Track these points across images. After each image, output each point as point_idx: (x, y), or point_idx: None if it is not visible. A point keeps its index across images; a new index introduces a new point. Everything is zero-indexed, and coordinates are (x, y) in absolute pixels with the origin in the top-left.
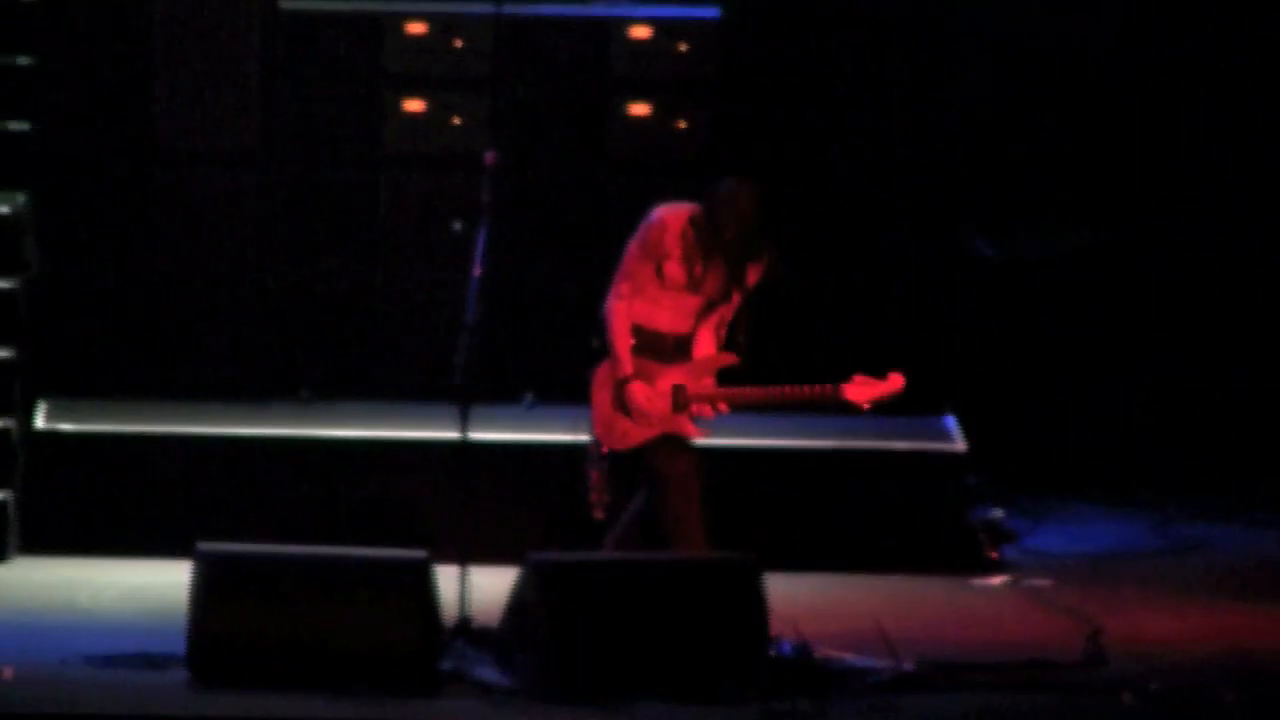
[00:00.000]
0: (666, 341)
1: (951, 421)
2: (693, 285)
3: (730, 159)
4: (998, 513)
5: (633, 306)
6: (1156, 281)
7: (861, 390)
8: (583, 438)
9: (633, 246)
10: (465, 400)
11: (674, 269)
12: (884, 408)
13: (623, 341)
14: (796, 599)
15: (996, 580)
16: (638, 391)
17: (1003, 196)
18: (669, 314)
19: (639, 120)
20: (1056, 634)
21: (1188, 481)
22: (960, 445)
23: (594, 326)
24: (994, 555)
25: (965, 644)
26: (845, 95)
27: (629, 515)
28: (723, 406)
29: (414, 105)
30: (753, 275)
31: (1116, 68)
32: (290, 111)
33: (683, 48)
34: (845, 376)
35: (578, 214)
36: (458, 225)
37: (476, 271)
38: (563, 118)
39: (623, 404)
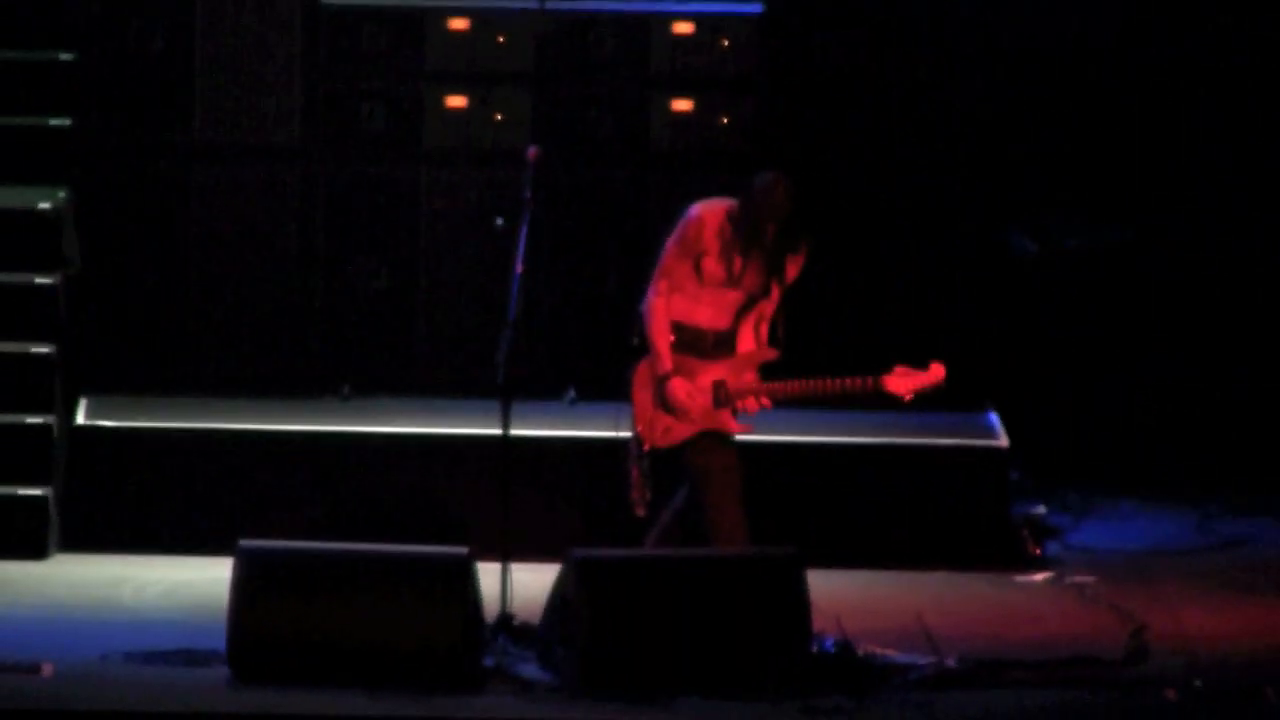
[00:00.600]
0: (707, 338)
1: (994, 417)
2: (732, 281)
3: (773, 155)
4: (1040, 509)
5: (672, 303)
6: (1194, 277)
7: (902, 381)
8: (624, 434)
9: (670, 244)
10: (507, 396)
11: (712, 265)
12: (926, 402)
13: (662, 338)
14: (839, 595)
15: (1039, 576)
16: (679, 388)
17: (1042, 191)
18: (709, 310)
19: (681, 116)
20: (1100, 630)
21: (1229, 477)
22: (1003, 441)
23: (634, 324)
24: (1036, 551)
25: (1008, 640)
26: (887, 91)
27: (670, 512)
28: (765, 401)
29: (456, 101)
30: (792, 270)
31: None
32: (331, 107)
33: (725, 43)
34: (886, 370)
35: (620, 210)
36: (500, 221)
37: (518, 268)
38: (605, 113)
39: (664, 401)
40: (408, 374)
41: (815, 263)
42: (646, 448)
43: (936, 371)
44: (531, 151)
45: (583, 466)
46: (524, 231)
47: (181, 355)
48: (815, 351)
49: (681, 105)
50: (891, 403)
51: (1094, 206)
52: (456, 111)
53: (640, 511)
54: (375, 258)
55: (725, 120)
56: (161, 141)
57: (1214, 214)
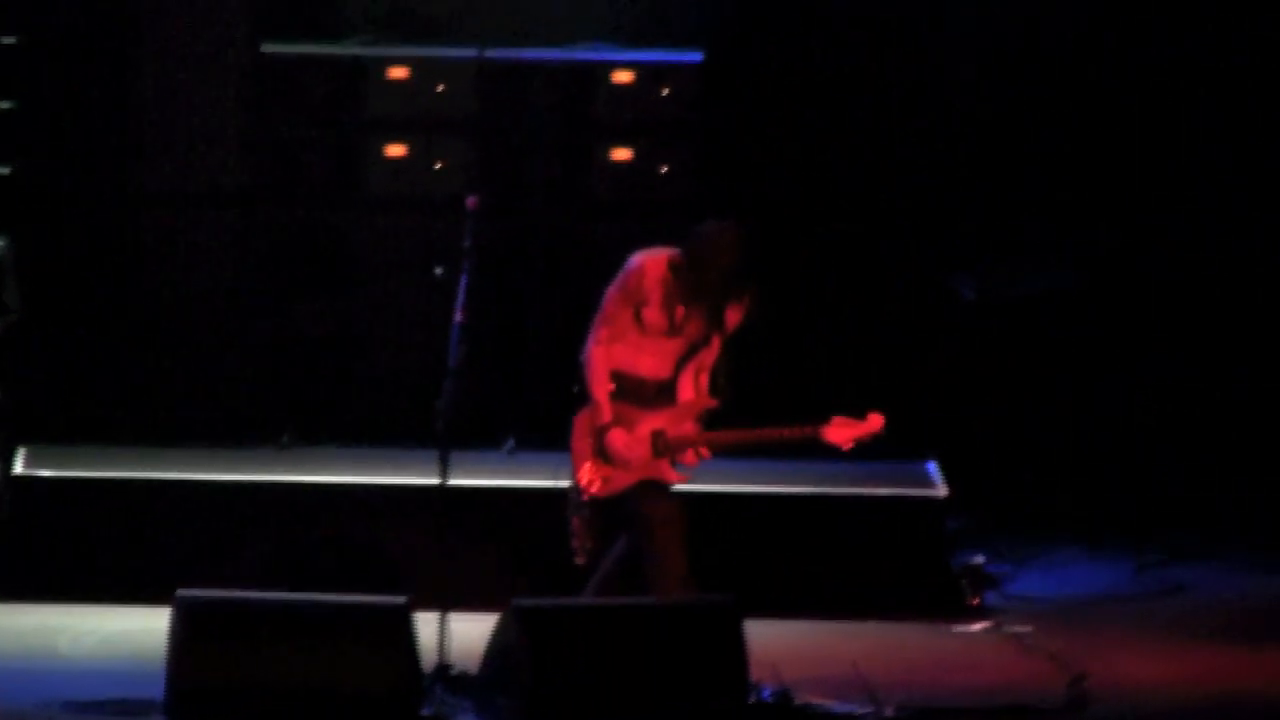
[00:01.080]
0: (648, 387)
1: (933, 466)
2: (673, 330)
3: (713, 202)
4: (979, 558)
5: (612, 352)
6: (1134, 322)
7: (841, 431)
8: (564, 484)
9: (612, 292)
10: (446, 445)
11: (653, 314)
12: (865, 451)
13: (601, 388)
14: (777, 644)
15: (978, 626)
16: (617, 438)
17: (983, 238)
18: (650, 359)
19: (622, 164)
20: (1039, 679)
21: (1167, 524)
22: (941, 490)
23: (574, 372)
24: (975, 601)
25: (947, 689)
26: (826, 138)
27: (610, 560)
28: (704, 452)
29: (396, 149)
30: (733, 319)
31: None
32: (273, 154)
33: (665, 92)
34: (826, 419)
35: (561, 258)
36: (439, 270)
37: (459, 317)
38: (546, 162)
39: (603, 451)
40: (347, 422)
41: (757, 307)
42: (586, 497)
43: (875, 422)
44: (471, 200)
45: (521, 516)
46: (464, 280)
47: (121, 403)
48: (755, 397)
49: (622, 154)
50: (830, 451)
51: (1035, 254)
52: (397, 159)
53: (581, 560)
54: (316, 305)
55: (665, 168)
56: (102, 188)
57: (1162, 252)
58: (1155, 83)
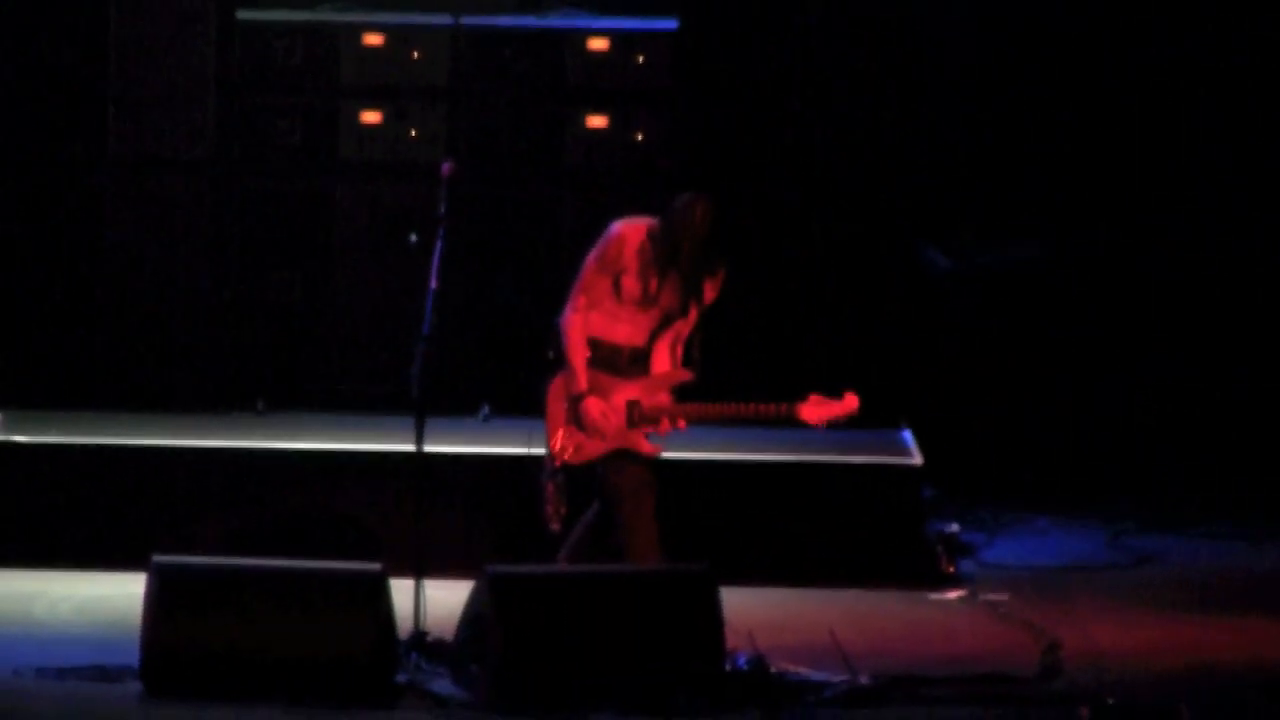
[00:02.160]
0: (623, 355)
1: (908, 435)
2: (649, 300)
3: (688, 170)
4: (954, 526)
5: (589, 320)
6: (1106, 293)
7: (816, 410)
8: (538, 451)
9: (591, 260)
10: (421, 412)
11: (631, 283)
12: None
13: (579, 356)
14: (752, 612)
15: (953, 594)
16: (592, 407)
17: (959, 208)
18: (626, 328)
19: (596, 132)
20: (1013, 647)
21: (1140, 494)
22: (916, 459)
23: (549, 339)
24: (950, 569)
25: (921, 658)
26: (802, 107)
27: (582, 527)
28: (680, 423)
29: (370, 116)
30: (709, 292)
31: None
32: (246, 121)
33: (640, 59)
34: (801, 391)
35: (535, 225)
36: (414, 237)
37: (433, 284)
38: (520, 129)
39: (577, 418)
40: (322, 388)
41: (731, 278)
42: (559, 464)
43: (850, 401)
44: (446, 167)
45: (497, 483)
46: (439, 247)
47: (95, 370)
48: (729, 366)
49: (596, 121)
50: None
51: (1009, 223)
52: (371, 126)
53: (555, 527)
54: (289, 272)
55: (640, 136)
56: (74, 154)
57: (1131, 227)
58: (1134, 52)
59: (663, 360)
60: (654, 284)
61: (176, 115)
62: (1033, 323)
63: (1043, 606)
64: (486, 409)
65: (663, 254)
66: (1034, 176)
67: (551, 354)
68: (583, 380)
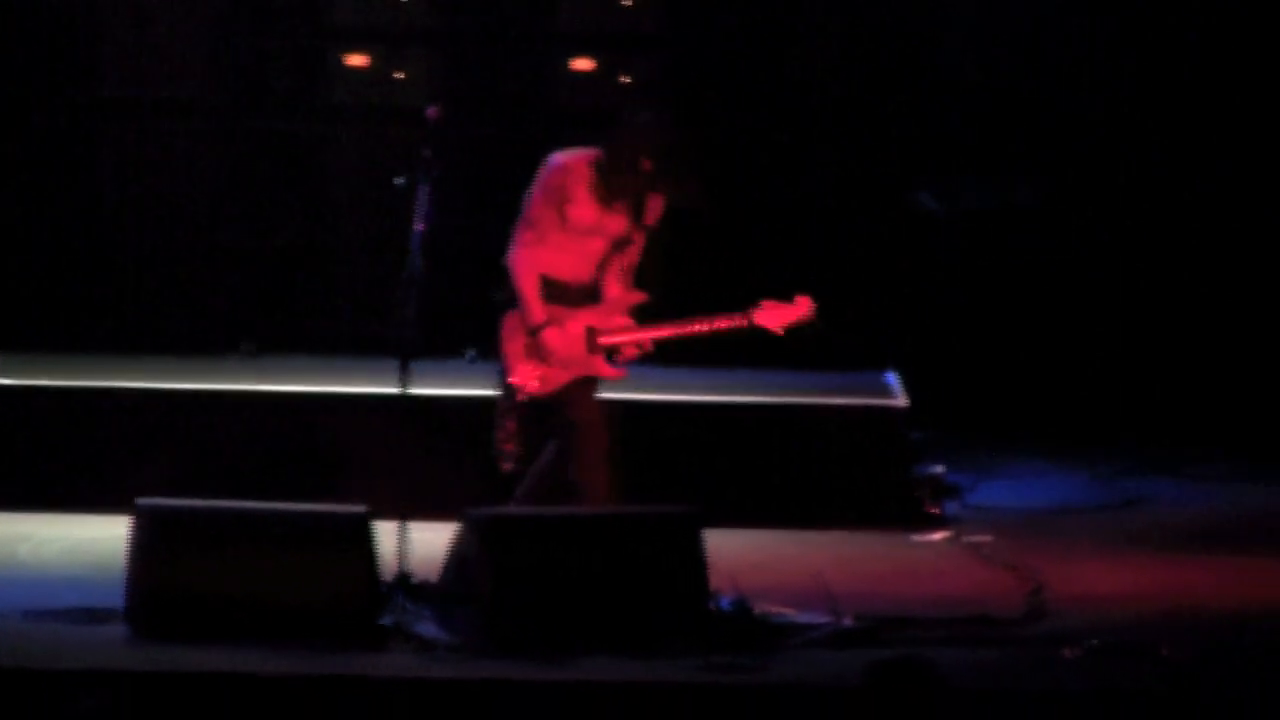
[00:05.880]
0: (573, 290)
1: (893, 377)
2: (597, 228)
3: (678, 113)
4: (939, 468)
5: (537, 255)
6: (1097, 236)
7: (772, 315)
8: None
9: (534, 193)
10: (407, 355)
11: (577, 211)
12: (826, 362)
13: (532, 288)
14: (737, 555)
15: (938, 535)
16: (552, 336)
17: (947, 151)
18: (574, 260)
19: (584, 74)
20: (998, 589)
21: (1127, 436)
22: (902, 401)
23: (497, 279)
24: (935, 510)
25: (907, 599)
26: (790, 49)
27: (540, 466)
28: (646, 344)
29: (358, 60)
30: (653, 213)
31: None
32: (235, 64)
33: (627, 2)
34: (791, 335)
35: (523, 168)
36: (400, 180)
37: (419, 226)
38: (507, 72)
39: (537, 351)
40: (309, 330)
41: (721, 220)
42: (523, 397)
43: (803, 304)
44: (432, 111)
45: (483, 425)
46: (425, 190)
47: (84, 312)
48: (717, 308)
49: (584, 64)
50: (777, 350)
51: (1001, 169)
52: (359, 69)
53: (508, 467)
54: (277, 214)
55: (627, 79)
56: (66, 96)
57: (1119, 176)
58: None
59: (614, 286)
60: (602, 210)
61: (168, 56)
62: (1023, 266)
63: (1028, 548)
64: (473, 352)
65: (609, 177)
66: (1024, 119)
67: (502, 295)
68: (540, 312)
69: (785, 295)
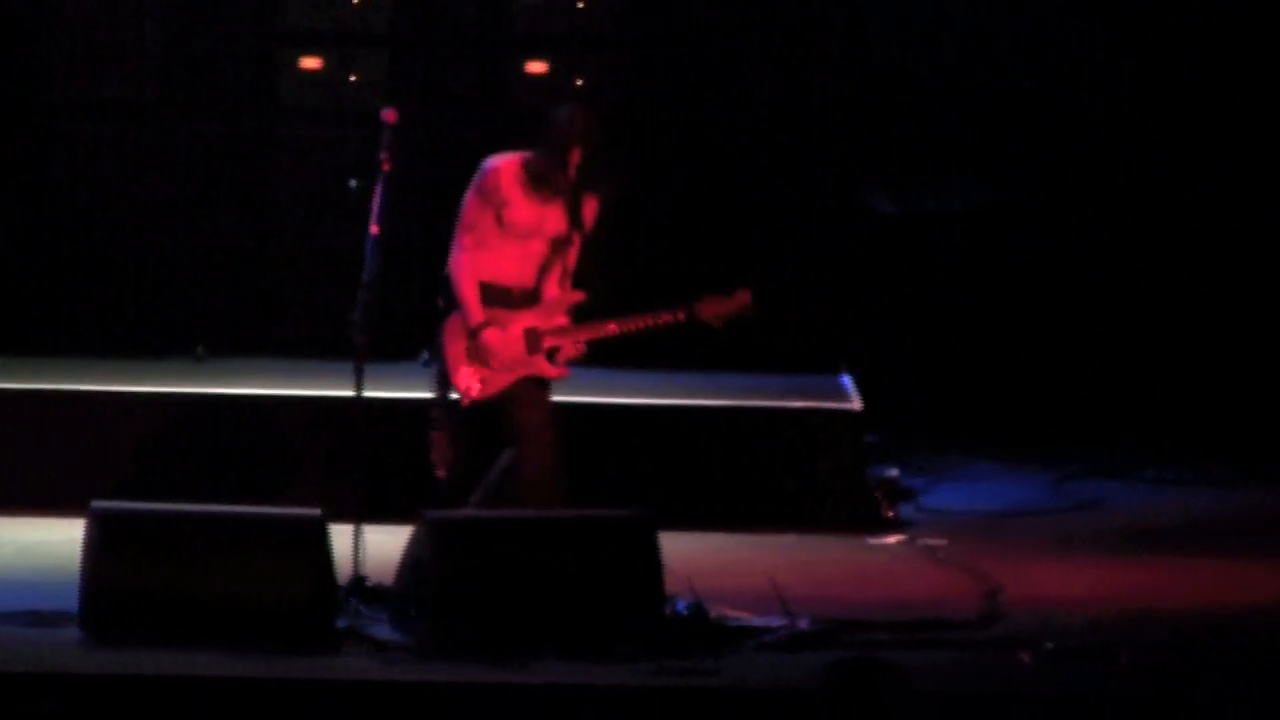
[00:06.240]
0: (515, 293)
1: (847, 380)
2: (536, 229)
3: (632, 114)
4: (894, 471)
5: (477, 259)
6: (1051, 240)
7: (712, 308)
8: (428, 395)
9: (470, 198)
10: (361, 358)
11: (514, 214)
12: (780, 364)
13: (471, 291)
14: (692, 558)
15: (893, 539)
16: (491, 336)
17: (901, 153)
18: (515, 263)
19: (538, 77)
20: (953, 592)
21: (1083, 439)
22: (856, 404)
23: (439, 286)
24: (890, 513)
25: (862, 602)
26: (744, 49)
27: (496, 471)
28: (581, 345)
29: (311, 62)
30: (589, 213)
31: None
32: (187, 66)
33: (581, 4)
34: (744, 336)
35: (474, 171)
36: (354, 182)
37: (374, 229)
38: (461, 74)
39: (478, 353)
40: (262, 334)
41: (674, 222)
42: (466, 402)
43: (742, 297)
44: (388, 113)
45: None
46: (380, 193)
47: (34, 314)
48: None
49: (538, 66)
50: (732, 353)
51: (955, 169)
52: (312, 72)
53: (441, 473)
54: (230, 217)
55: (581, 81)
56: (16, 98)
57: (1074, 179)
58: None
59: (553, 287)
60: (537, 211)
61: (119, 58)
62: (977, 267)
63: (983, 551)
64: (427, 354)
65: (543, 176)
66: (977, 121)
67: (442, 301)
68: (479, 314)
69: (732, 294)
